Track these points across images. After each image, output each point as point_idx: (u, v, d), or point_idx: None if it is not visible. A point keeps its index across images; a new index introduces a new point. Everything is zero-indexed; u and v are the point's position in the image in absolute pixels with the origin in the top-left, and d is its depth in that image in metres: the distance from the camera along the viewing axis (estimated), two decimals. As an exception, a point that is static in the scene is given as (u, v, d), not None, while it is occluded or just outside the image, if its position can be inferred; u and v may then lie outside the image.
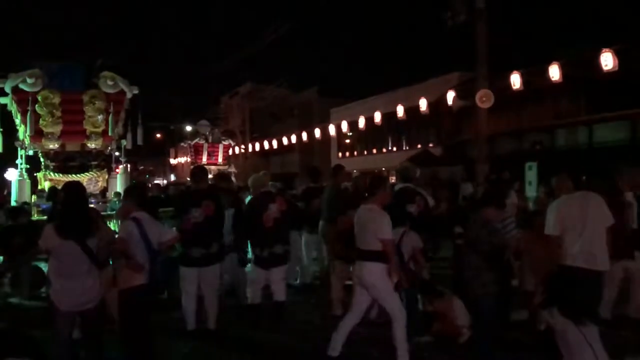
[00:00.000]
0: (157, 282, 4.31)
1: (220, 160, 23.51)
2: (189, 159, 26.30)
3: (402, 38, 56.69)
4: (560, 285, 4.14)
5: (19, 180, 12.34)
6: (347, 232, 5.74)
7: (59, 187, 9.04)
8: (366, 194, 5.11)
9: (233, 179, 13.57)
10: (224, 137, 24.60)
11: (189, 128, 32.20)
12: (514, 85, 13.41)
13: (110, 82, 12.33)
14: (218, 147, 23.47)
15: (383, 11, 56.80)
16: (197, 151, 23.33)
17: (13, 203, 11.45)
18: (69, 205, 4.04)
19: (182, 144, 28.22)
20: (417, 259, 5.23)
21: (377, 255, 4.47)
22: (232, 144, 25.61)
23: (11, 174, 13.32)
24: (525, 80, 13.35)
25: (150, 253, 4.20)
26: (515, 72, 13.41)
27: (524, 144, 18.80)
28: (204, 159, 22.69)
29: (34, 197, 12.05)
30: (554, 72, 12.37)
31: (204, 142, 23.31)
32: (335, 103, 30.93)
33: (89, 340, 4.06)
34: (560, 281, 4.15)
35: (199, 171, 5.91)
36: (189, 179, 7.31)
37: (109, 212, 9.86)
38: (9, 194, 12.65)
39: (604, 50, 11.30)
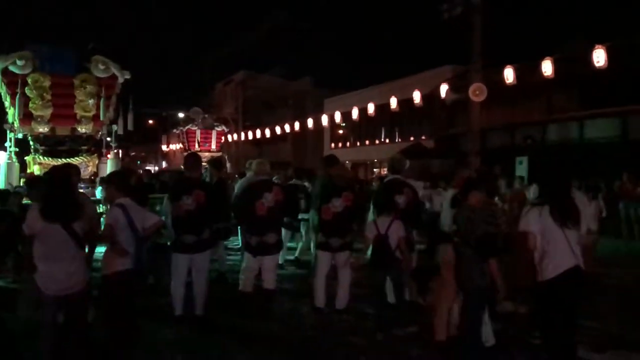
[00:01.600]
0: (143, 268, 4.31)
1: (213, 146, 23.22)
2: (181, 146, 26.02)
3: (397, 30, 56.63)
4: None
5: (8, 164, 12.23)
6: (329, 221, 5.72)
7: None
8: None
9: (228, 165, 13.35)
10: (217, 124, 24.25)
11: (181, 115, 31.97)
12: (507, 80, 13.45)
13: (101, 66, 12.21)
14: (211, 134, 23.12)
15: (379, 2, 56.66)
16: (189, 137, 23.02)
17: (1, 186, 11.37)
18: (55, 188, 4.02)
19: (174, 130, 27.91)
20: (402, 249, 5.27)
21: None
22: (226, 130, 25.28)
23: (0, 157, 13.20)
24: (518, 75, 13.39)
25: (136, 239, 4.21)
26: (508, 66, 13.45)
27: (516, 139, 18.85)
28: (197, 146, 22.43)
29: (21, 181, 11.96)
30: (547, 68, 12.43)
31: (196, 128, 22.96)
32: (329, 93, 30.86)
33: (74, 324, 4.05)
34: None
35: (192, 159, 5.87)
36: (182, 166, 7.36)
37: (98, 198, 9.82)
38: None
39: (596, 47, 11.36)
